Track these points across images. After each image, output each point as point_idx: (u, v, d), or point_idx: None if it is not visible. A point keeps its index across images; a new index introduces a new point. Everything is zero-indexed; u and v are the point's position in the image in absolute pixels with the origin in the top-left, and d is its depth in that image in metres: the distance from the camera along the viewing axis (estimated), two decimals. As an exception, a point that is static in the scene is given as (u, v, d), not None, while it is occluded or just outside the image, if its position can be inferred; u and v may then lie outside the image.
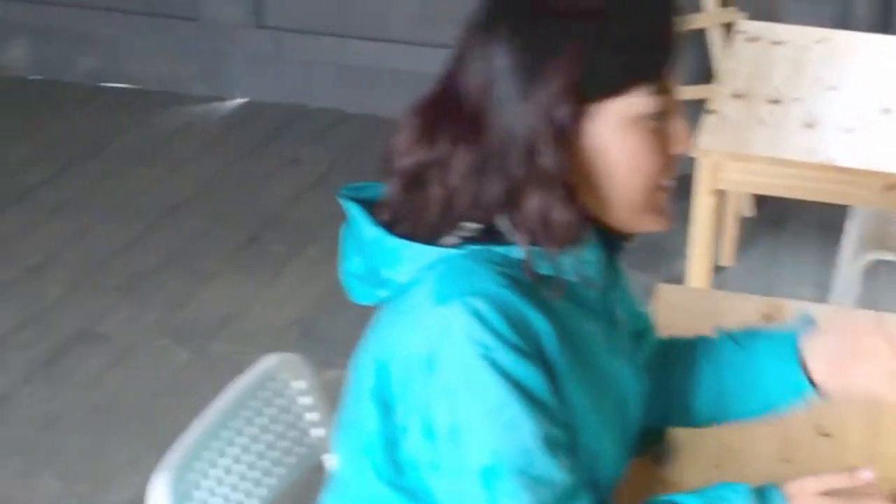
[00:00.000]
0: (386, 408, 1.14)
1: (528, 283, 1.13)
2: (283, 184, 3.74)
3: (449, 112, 1.15)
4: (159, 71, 4.39)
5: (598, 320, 1.21)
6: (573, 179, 1.14)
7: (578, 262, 1.16)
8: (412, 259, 1.15)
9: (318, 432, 1.52)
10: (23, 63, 4.44)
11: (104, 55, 4.41)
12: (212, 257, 3.25)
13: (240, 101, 4.36)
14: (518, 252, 1.14)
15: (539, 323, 1.11)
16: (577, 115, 1.13)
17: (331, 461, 1.52)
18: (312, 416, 1.52)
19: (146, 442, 2.45)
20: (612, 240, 1.22)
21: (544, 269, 1.14)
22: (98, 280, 3.08)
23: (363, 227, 1.18)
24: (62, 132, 4.00)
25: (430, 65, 4.43)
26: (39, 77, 4.38)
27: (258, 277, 3.16)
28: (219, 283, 3.12)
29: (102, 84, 4.39)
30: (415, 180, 1.15)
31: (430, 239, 1.14)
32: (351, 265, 1.21)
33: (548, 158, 1.12)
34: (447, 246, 1.14)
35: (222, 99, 4.35)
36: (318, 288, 3.12)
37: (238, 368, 2.67)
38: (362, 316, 3.05)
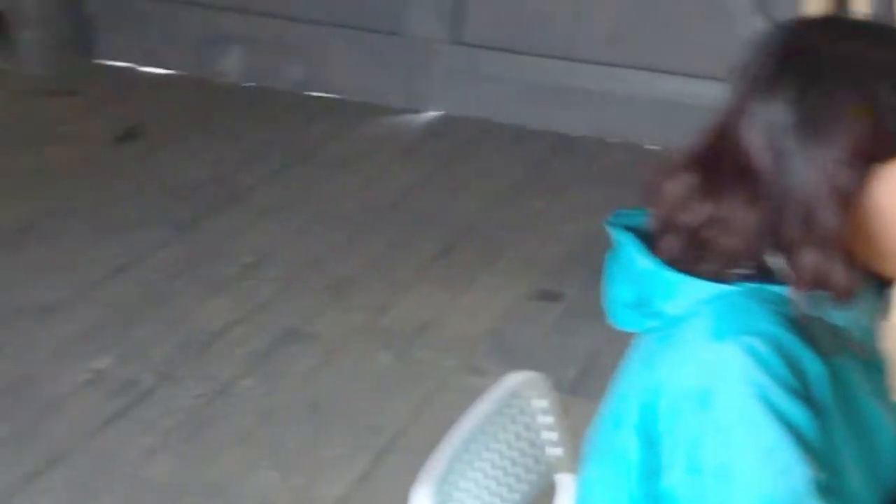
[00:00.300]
0: (649, 440, 1.11)
1: (801, 323, 1.08)
2: (475, 196, 3.73)
3: (730, 168, 1.10)
4: (360, 82, 4.45)
5: (862, 361, 1.16)
6: (852, 238, 1.08)
7: (850, 311, 1.11)
8: (689, 293, 1.11)
9: (553, 451, 1.49)
10: (237, 71, 4.56)
11: (311, 65, 4.49)
12: (410, 264, 3.25)
13: (434, 113, 4.37)
14: (791, 293, 1.09)
15: (812, 364, 1.07)
16: (862, 178, 1.07)
17: (564, 482, 1.49)
18: (549, 435, 1.50)
19: (355, 441, 2.47)
20: (879, 282, 1.17)
21: (816, 311, 1.09)
22: (307, 280, 3.12)
23: (636, 258, 1.15)
24: (271, 137, 4.09)
25: (616, 85, 4.41)
26: (251, 84, 4.49)
27: (452, 286, 3.15)
28: (416, 289, 3.12)
29: (307, 93, 4.47)
30: (694, 234, 1.11)
31: (705, 274, 1.11)
32: (620, 293, 1.18)
33: (828, 220, 1.07)
34: (722, 281, 1.10)
35: (418, 111, 4.37)
36: (508, 299, 3.10)
37: (436, 375, 2.71)
38: (551, 328, 3.02)
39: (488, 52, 4.31)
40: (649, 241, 1.15)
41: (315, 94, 4.47)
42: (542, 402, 1.49)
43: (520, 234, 3.45)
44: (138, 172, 3.76)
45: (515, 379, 1.49)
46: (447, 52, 4.35)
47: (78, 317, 2.88)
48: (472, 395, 2.63)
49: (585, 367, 2.76)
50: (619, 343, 2.99)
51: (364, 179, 3.81)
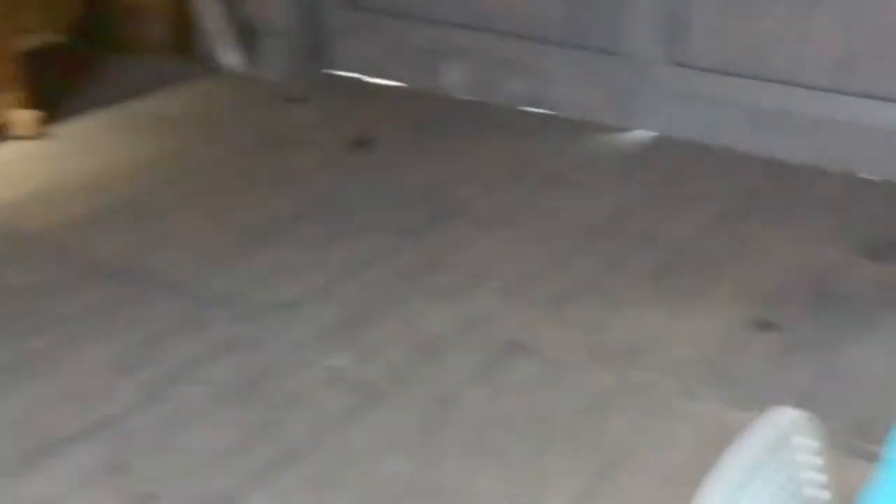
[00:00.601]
0: None
1: None
2: (689, 218, 3.65)
3: None
4: (578, 99, 4.42)
5: None
6: None
7: None
8: None
9: (815, 493, 1.43)
10: (461, 84, 4.61)
11: (531, 82, 4.50)
12: (626, 284, 3.21)
13: (650, 134, 4.31)
14: None
15: None
16: None
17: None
18: (810, 476, 1.43)
19: (576, 456, 2.45)
20: None
21: None
22: (528, 294, 3.12)
23: None
24: (491, 151, 4.12)
25: (838, 112, 4.23)
26: (473, 98, 4.53)
27: (668, 309, 3.09)
28: (633, 309, 3.08)
29: (526, 109, 4.48)
30: None
31: None
32: None
33: None
34: None
35: (633, 130, 4.31)
36: (723, 326, 3.01)
37: (653, 397, 2.66)
38: (768, 358, 2.92)
39: (707, 74, 4.21)
40: None
41: (534, 109, 4.47)
42: (809, 443, 1.43)
43: (734, 260, 3.36)
44: (368, 179, 3.86)
45: (782, 416, 1.43)
46: (665, 72, 4.28)
47: (315, 316, 2.97)
48: (690, 421, 2.59)
49: (804, 401, 2.64)
50: (840, 378, 2.87)
51: (580, 196, 3.78)
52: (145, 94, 4.61)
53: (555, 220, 3.60)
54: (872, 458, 1.56)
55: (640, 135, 4.31)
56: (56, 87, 4.55)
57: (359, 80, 4.80)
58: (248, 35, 4.86)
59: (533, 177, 3.92)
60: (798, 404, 2.68)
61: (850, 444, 2.37)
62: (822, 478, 1.42)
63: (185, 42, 4.98)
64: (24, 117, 4.07)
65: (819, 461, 1.42)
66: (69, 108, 4.38)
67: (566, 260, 3.34)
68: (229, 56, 4.90)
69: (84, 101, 4.48)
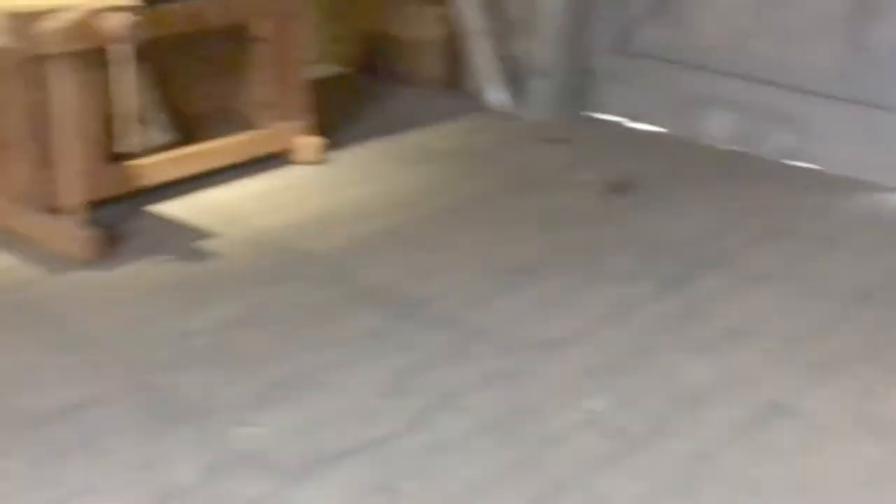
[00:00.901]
0: None
1: None
2: (968, 287, 3.40)
3: None
4: (847, 155, 4.22)
5: None
6: None
7: None
8: None
9: None
10: (724, 134, 4.50)
11: (799, 135, 4.33)
12: (898, 352, 3.02)
13: (926, 195, 4.05)
14: None
15: None
16: None
17: None
18: None
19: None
20: None
21: None
22: (792, 354, 2.99)
23: None
24: (755, 204, 3.98)
25: None
26: (737, 149, 4.40)
27: (944, 382, 2.87)
28: (906, 380, 2.88)
29: (792, 163, 4.31)
30: None
31: None
32: None
33: None
34: None
35: (908, 191, 4.07)
36: None
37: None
38: None
39: None
40: None
41: (800, 164, 4.30)
42: None
43: None
44: (627, 225, 3.82)
45: None
46: (947, 133, 4.02)
47: (574, 357, 2.95)
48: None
49: None
50: None
51: (849, 257, 3.59)
52: (417, 126, 4.76)
53: (822, 280, 3.43)
54: None
55: (916, 196, 4.05)
56: (337, 116, 4.78)
57: (621, 125, 4.77)
58: (515, 75, 4.93)
59: (799, 233, 3.76)
60: None
61: None
62: None
63: (457, 78, 5.12)
64: (308, 143, 4.30)
65: None
66: (348, 137, 4.59)
67: (834, 323, 3.17)
68: (496, 94, 4.99)
69: (362, 131, 4.68)
